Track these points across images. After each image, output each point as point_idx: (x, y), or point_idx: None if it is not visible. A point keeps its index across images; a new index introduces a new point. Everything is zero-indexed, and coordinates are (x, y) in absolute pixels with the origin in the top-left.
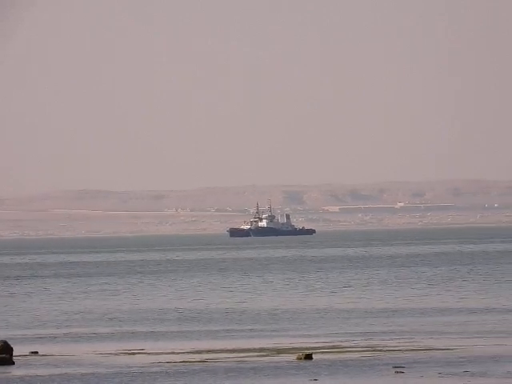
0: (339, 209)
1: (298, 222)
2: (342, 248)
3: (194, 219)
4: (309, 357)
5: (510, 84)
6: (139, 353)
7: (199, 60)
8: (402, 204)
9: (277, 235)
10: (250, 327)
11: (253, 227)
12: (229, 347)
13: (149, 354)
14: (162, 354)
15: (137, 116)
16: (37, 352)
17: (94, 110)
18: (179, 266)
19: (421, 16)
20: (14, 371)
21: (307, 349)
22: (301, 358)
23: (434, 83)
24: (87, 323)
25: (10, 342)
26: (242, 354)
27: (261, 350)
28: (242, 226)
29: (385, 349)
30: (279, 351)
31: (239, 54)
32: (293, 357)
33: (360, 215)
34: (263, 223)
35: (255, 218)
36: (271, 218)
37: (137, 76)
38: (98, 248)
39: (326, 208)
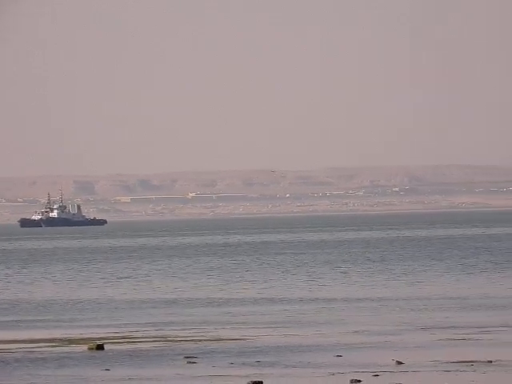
0: (131, 199)
1: (90, 213)
2: (131, 238)
3: None
4: (100, 347)
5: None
6: None
7: None
8: (193, 194)
9: (68, 226)
10: (38, 318)
11: (44, 218)
12: (18, 338)
13: None
14: None
15: None
16: None
17: None
18: None
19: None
20: None
21: (98, 339)
22: (92, 348)
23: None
24: None
25: None
26: (31, 345)
27: (51, 340)
28: (33, 217)
29: (176, 339)
30: (70, 341)
31: None
32: (84, 347)
33: (151, 205)
34: (54, 214)
35: (46, 208)
36: (62, 209)
37: None
38: None
39: (117, 198)
